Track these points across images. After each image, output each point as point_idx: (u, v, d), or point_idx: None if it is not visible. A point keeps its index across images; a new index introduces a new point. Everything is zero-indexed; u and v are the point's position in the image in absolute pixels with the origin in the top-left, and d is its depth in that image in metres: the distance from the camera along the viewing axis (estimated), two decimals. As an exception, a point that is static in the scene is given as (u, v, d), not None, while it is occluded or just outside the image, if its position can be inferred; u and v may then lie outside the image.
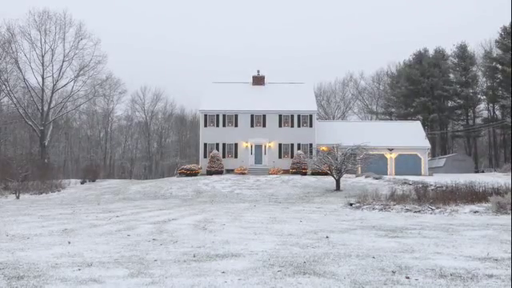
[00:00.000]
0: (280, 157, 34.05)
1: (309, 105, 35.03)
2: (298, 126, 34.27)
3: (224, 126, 34.45)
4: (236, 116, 34.38)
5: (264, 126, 34.38)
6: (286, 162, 33.14)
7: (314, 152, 30.75)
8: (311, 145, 33.22)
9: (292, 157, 33.25)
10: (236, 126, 34.37)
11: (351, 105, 62.50)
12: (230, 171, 32.39)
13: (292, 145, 34.16)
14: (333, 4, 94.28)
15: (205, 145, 34.42)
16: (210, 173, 31.50)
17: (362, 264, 5.77)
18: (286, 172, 31.89)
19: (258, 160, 34.11)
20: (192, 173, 31.03)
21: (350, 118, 60.68)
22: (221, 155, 33.23)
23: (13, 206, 18.67)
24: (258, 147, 34.27)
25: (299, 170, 31.26)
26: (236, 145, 34.24)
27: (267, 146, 34.22)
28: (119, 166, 59.15)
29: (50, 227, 10.05)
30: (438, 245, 7.34)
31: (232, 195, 22.27)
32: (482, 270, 5.40)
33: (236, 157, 34.03)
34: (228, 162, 33.28)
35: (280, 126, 34.32)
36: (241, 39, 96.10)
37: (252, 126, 34.40)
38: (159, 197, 22.43)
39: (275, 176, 29.94)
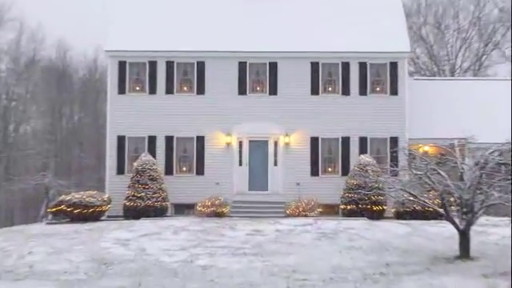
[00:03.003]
0: (315, 172, 35.77)
1: (389, 38, 36.18)
2: (363, 91, 35.83)
3: (169, 92, 36.01)
4: (200, 65, 35.95)
5: (273, 92, 36.01)
6: (330, 186, 34.27)
7: (402, 159, 31.10)
8: (396, 140, 34.95)
9: (345, 173, 34.64)
10: (200, 92, 35.96)
11: (494, 40, 64.59)
12: (183, 208, 34.70)
13: (346, 140, 35.63)
14: None
15: (119, 140, 35.91)
16: (131, 212, 33.12)
17: None
18: (329, 209, 33.70)
19: (259, 180, 35.60)
20: (87, 213, 32.72)
21: (489, 71, 63.97)
22: (162, 168, 34.48)
23: None
24: (258, 147, 35.98)
25: (365, 205, 32.48)
26: (201, 140, 35.76)
27: (281, 145, 35.82)
28: None
29: None
30: None
31: (189, 273, 23.35)
32: None
33: (200, 173, 35.52)
34: (179, 186, 34.82)
35: (314, 91, 35.88)
36: None
37: (242, 91, 36.07)
38: (1, 277, 23.53)
39: (302, 221, 30.52)
